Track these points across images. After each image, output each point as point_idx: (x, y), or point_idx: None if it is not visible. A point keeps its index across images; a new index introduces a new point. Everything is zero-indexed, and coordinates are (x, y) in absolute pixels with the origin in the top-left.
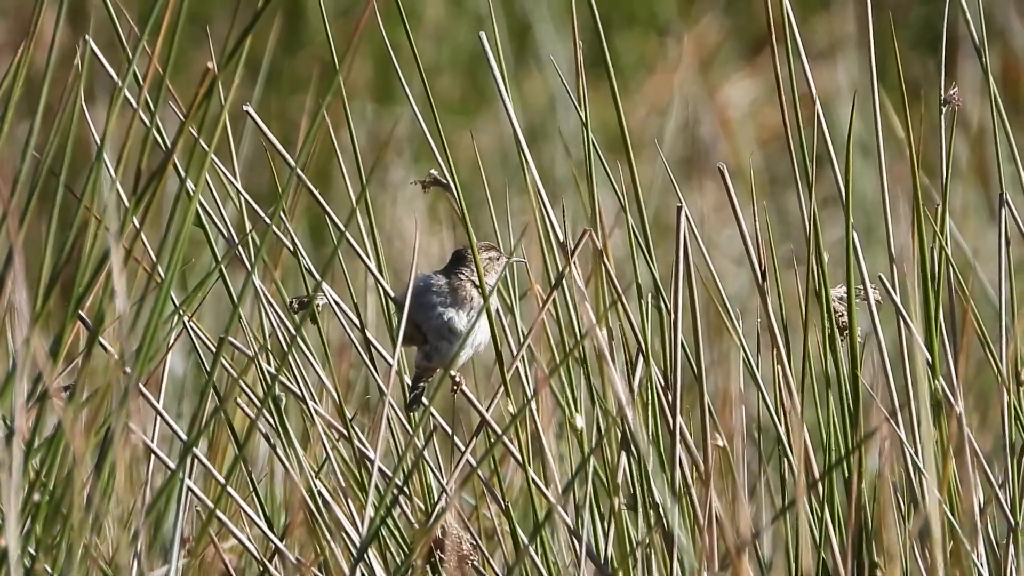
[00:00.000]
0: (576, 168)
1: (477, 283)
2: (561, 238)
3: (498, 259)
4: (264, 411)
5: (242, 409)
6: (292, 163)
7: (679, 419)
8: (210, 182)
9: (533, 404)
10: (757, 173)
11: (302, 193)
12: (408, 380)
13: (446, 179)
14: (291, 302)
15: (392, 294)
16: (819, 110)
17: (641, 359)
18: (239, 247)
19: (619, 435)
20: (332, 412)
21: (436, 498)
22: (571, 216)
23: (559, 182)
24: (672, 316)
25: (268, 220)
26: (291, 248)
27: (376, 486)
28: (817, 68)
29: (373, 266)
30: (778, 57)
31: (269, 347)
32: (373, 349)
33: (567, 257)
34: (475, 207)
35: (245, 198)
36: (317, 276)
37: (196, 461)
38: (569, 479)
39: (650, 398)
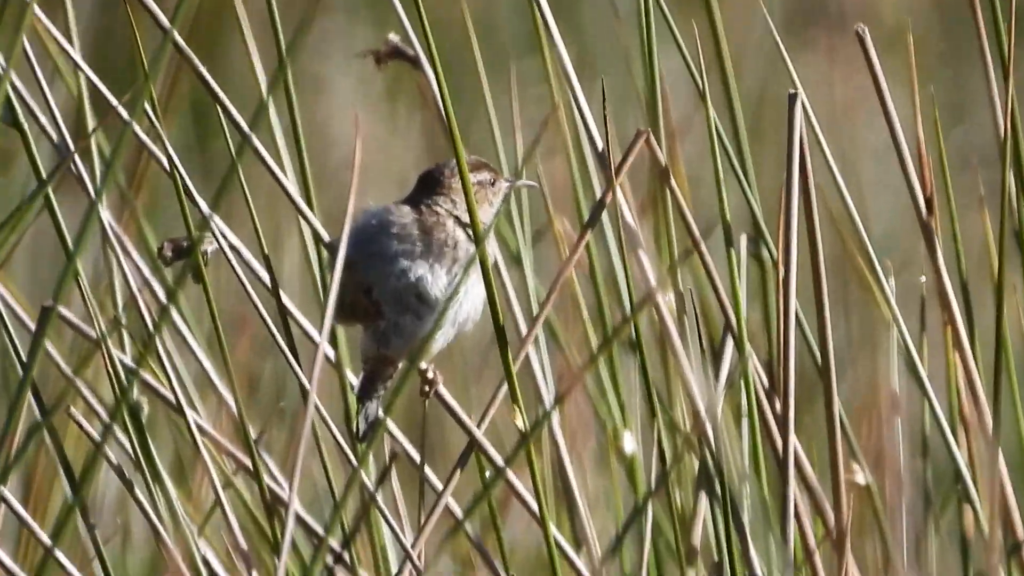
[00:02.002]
0: (624, 26)
1: (463, 219)
2: (600, 144)
3: (493, 184)
4: (116, 428)
5: (79, 425)
6: (164, 22)
7: (793, 441)
8: (31, 52)
9: (555, 417)
10: (917, 39)
11: (181, 71)
12: (353, 381)
13: (413, 49)
14: (161, 248)
15: (326, 237)
16: None
17: (731, 343)
18: (76, 157)
19: (695, 466)
20: (225, 428)
21: (396, 571)
22: (615, 106)
23: (596, 51)
24: (782, 273)
25: (125, 114)
26: (162, 160)
27: (295, 548)
28: None
29: (295, 190)
30: None
31: (125, 323)
32: (292, 324)
33: (609, 176)
34: (463, 96)
35: (88, 76)
36: (204, 206)
37: (3, 507)
38: (614, 539)
39: (747, 406)
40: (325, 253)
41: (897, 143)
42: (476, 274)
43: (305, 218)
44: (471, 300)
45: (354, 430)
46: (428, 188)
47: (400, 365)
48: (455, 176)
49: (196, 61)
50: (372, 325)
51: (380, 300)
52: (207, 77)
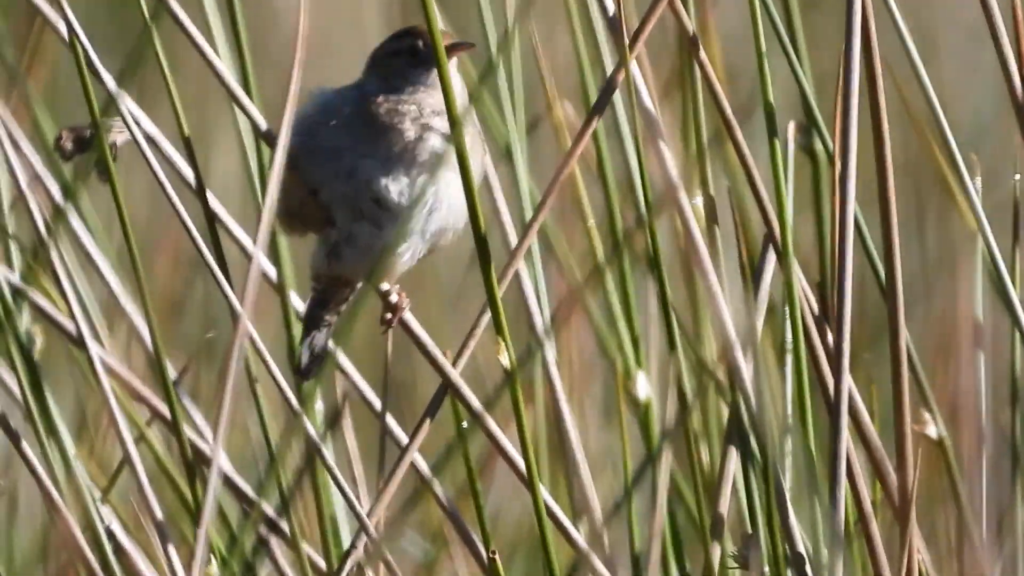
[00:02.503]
0: None
1: (429, 103)
2: (611, 6)
3: (452, 49)
4: (0, 364)
5: None
6: None
7: (848, 382)
8: None
9: (550, 352)
10: None
11: None
12: (300, 306)
13: None
14: (59, 139)
15: (264, 126)
16: None
17: (773, 258)
18: None
19: (724, 414)
20: (137, 366)
21: (348, 545)
22: None
23: None
24: (839, 170)
25: None
26: (60, 28)
27: (222, 515)
28: None
29: (226, 68)
30: None
31: (12, 231)
32: (223, 235)
33: (623, 47)
34: None
35: None
36: (112, 85)
37: None
38: (619, 499)
39: (791, 338)
40: (265, 147)
41: (988, 10)
42: (454, 173)
43: (239, 103)
44: (447, 205)
45: (299, 371)
46: (380, 67)
47: (358, 286)
48: (387, 49)
49: None
50: (322, 236)
51: (331, 205)
52: None
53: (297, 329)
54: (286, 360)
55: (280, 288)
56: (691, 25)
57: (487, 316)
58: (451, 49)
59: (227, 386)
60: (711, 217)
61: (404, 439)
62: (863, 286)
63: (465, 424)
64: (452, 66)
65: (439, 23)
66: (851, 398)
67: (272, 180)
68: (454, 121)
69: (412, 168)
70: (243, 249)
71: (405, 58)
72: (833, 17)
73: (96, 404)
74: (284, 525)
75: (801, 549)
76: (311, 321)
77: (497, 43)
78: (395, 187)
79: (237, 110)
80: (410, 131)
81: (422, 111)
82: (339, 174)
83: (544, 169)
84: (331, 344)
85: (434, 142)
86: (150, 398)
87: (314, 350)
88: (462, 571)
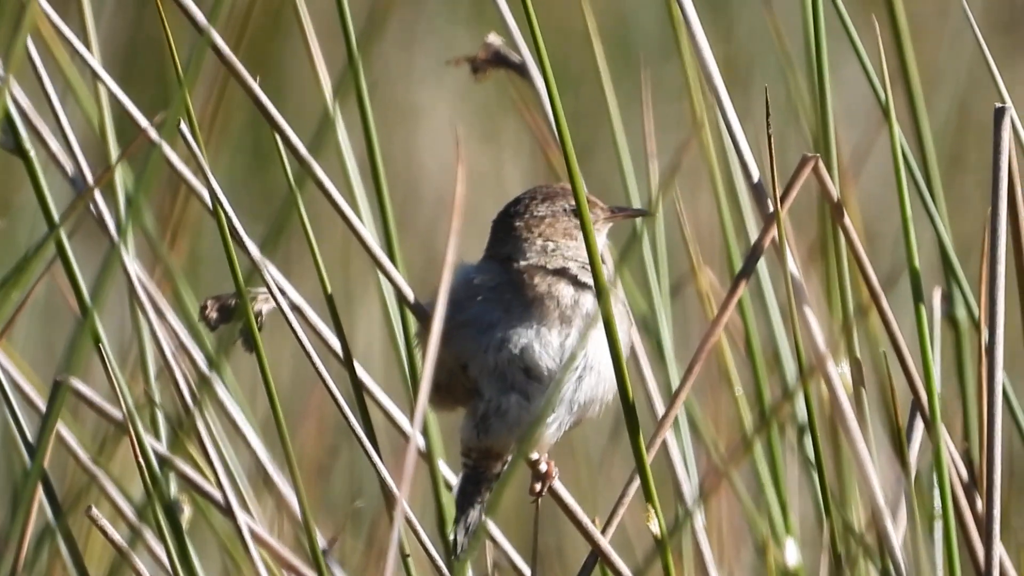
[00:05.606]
0: (784, 24)
1: (566, 266)
2: (755, 172)
3: (572, 214)
4: (148, 533)
5: (102, 530)
6: (201, 20)
7: (999, 550)
8: (37, 59)
9: (699, 519)
10: None
11: (228, 84)
12: (449, 476)
13: (519, 54)
14: (204, 308)
15: (412, 297)
16: None
17: (921, 425)
18: (96, 193)
19: None
20: (286, 535)
21: None
22: (777, 125)
23: (749, 56)
24: (986, 337)
25: (156, 138)
26: (204, 196)
27: None
28: None
29: (371, 235)
30: None
31: (158, 401)
32: (371, 404)
33: (768, 214)
34: (582, 112)
35: (110, 90)
36: (256, 254)
37: None
38: None
39: (940, 505)
40: (408, 314)
41: None
42: (600, 340)
43: (384, 270)
44: (596, 372)
45: (450, 543)
46: (508, 234)
47: (508, 460)
48: (536, 213)
49: (242, 69)
50: (471, 409)
51: (478, 379)
52: (257, 90)
53: (445, 497)
54: (435, 527)
55: (429, 457)
56: (835, 190)
57: (635, 483)
58: (616, 213)
59: (388, 561)
60: (857, 384)
61: None
62: (1011, 450)
63: None
64: (601, 227)
65: (584, 189)
66: (1002, 566)
67: (427, 359)
68: (601, 290)
69: (562, 331)
70: (389, 417)
71: (561, 219)
72: (976, 181)
73: (245, 573)
74: None
75: None
76: (464, 498)
77: (643, 206)
78: (546, 355)
79: (381, 277)
80: (562, 293)
81: (577, 271)
82: (489, 347)
83: (689, 337)
84: (483, 517)
85: (588, 304)
86: (300, 567)
87: (469, 529)
88: None
